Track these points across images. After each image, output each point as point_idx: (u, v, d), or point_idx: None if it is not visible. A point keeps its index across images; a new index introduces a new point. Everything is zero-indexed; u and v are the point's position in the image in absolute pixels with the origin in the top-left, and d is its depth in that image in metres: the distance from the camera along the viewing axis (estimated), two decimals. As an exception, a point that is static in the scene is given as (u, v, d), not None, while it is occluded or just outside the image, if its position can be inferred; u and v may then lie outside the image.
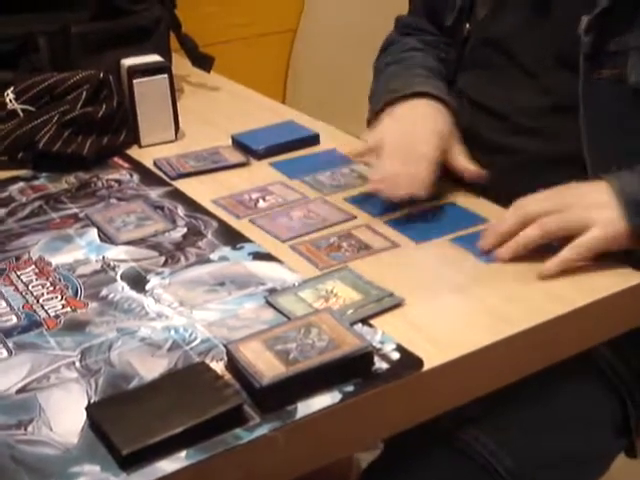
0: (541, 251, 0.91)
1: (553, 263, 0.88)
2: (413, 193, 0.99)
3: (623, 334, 0.89)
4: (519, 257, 0.90)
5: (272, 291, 0.87)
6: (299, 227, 1.00)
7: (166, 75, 1.23)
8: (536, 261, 0.90)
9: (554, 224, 0.89)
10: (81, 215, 1.05)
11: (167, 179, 1.14)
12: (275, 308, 0.84)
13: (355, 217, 1.02)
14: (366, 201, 1.05)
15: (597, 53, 0.97)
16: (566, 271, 0.88)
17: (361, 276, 0.88)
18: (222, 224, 1.01)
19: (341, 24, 2.12)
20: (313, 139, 1.23)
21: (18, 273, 0.93)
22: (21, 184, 1.15)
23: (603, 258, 0.89)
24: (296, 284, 0.88)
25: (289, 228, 1.00)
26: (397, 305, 0.84)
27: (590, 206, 0.89)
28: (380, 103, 1.11)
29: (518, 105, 1.06)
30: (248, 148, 1.21)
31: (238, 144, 1.23)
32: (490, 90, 1.10)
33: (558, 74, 1.02)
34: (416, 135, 1.04)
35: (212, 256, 0.94)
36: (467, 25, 1.14)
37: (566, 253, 0.88)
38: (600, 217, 0.88)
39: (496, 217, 0.98)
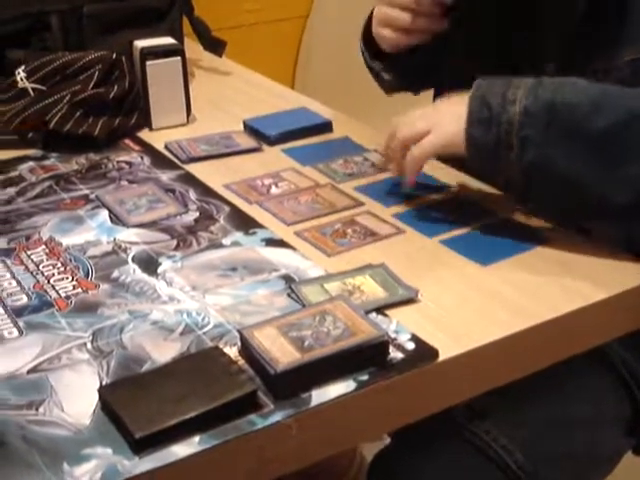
0: (556, 244, 0.90)
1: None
2: None
3: (637, 331, 0.88)
4: (533, 252, 0.90)
5: (289, 279, 0.86)
6: (305, 211, 0.99)
7: (179, 58, 1.22)
8: (552, 255, 0.90)
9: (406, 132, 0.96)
10: (92, 196, 1.04)
11: (178, 162, 1.13)
12: (297, 296, 0.83)
13: (363, 204, 1.01)
14: (377, 190, 1.04)
15: None
16: (582, 266, 0.88)
17: (394, 274, 0.86)
18: (234, 209, 1.00)
19: (352, 11, 2.10)
20: (326, 126, 1.22)
21: (28, 253, 0.92)
22: (31, 163, 1.14)
23: (619, 254, 0.89)
24: (324, 274, 0.87)
25: (295, 212, 0.99)
26: (412, 300, 0.83)
27: (438, 112, 0.96)
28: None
29: None
30: (260, 133, 1.20)
31: (250, 129, 1.22)
32: None
33: None
34: None
35: (224, 241, 0.94)
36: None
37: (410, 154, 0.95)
38: (440, 120, 0.93)
39: (506, 209, 0.98)
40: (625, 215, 0.88)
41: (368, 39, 1.15)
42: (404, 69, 1.15)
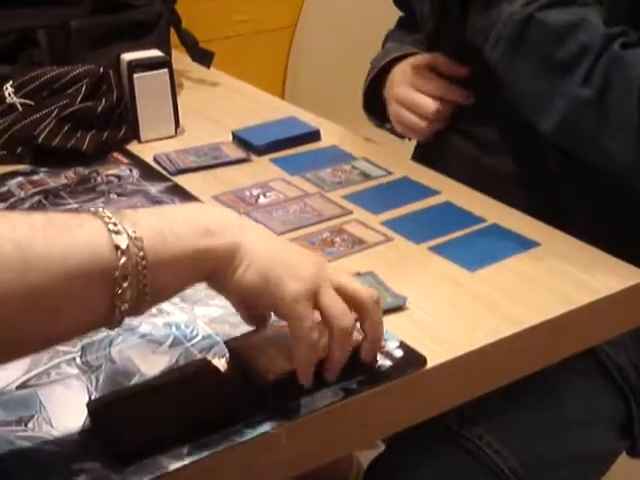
0: (544, 249, 0.91)
1: None
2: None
3: (629, 334, 0.89)
4: (521, 257, 0.90)
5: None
6: (295, 220, 1.00)
7: (166, 70, 1.23)
8: (540, 260, 0.90)
9: None
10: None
11: (167, 175, 1.14)
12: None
13: (351, 212, 1.02)
14: (366, 198, 1.04)
15: None
16: (570, 270, 0.88)
17: (383, 282, 0.86)
18: (223, 220, 1.00)
19: (340, 20, 2.12)
20: (314, 135, 1.23)
21: (17, 268, 0.92)
22: (20, 179, 1.14)
23: (606, 257, 0.90)
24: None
25: (284, 221, 0.99)
26: (400, 307, 0.83)
27: None
28: (365, 85, 1.19)
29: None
30: (249, 144, 1.20)
31: (239, 140, 1.22)
32: None
33: None
34: None
35: (213, 252, 0.94)
36: None
37: None
38: None
39: (494, 215, 0.98)
40: (550, 138, 0.97)
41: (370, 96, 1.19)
42: None
